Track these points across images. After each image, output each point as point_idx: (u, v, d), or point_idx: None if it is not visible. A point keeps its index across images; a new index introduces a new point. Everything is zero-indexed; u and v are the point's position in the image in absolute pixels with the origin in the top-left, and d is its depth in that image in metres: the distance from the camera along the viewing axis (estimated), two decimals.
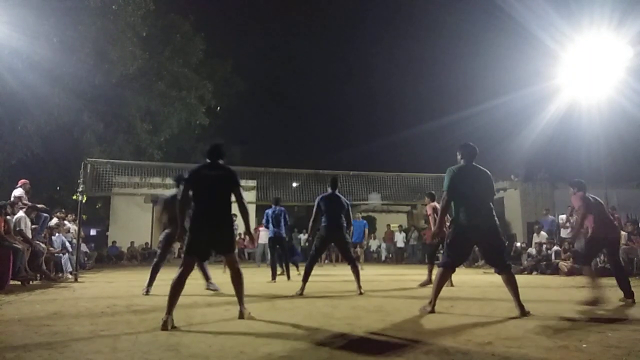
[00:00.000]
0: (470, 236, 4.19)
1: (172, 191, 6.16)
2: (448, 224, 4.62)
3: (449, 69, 31.10)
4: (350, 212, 6.24)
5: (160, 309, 4.40)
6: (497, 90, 19.58)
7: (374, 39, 43.35)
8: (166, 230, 5.89)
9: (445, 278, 4.28)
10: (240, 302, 3.93)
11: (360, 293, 5.74)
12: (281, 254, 8.51)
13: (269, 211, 8.36)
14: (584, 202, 5.30)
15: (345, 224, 6.02)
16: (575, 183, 5.64)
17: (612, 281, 5.22)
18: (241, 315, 3.86)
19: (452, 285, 6.85)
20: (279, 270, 8.46)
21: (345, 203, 6.16)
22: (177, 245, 9.27)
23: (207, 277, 6.16)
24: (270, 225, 8.21)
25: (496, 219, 4.25)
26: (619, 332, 3.28)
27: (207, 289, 6.03)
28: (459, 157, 4.46)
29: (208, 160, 4.05)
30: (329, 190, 6.23)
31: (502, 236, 4.26)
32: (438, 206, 8.06)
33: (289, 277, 8.25)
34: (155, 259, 6.10)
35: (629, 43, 12.45)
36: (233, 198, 3.99)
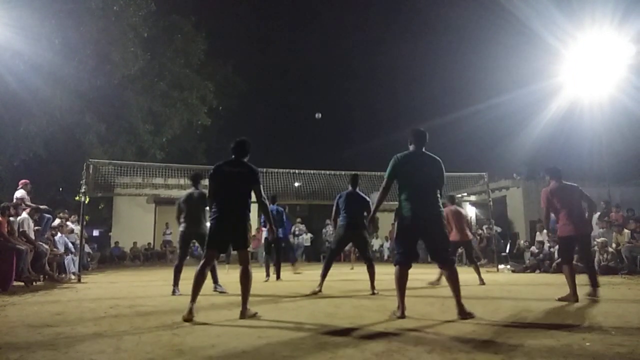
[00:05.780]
0: (413, 227, 3.88)
1: (188, 190, 6.25)
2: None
3: (450, 67, 30.96)
4: (371, 206, 5.94)
5: (163, 310, 4.43)
6: (499, 88, 19.50)
7: (375, 37, 43.24)
8: (180, 229, 5.94)
9: (402, 276, 3.89)
10: (244, 301, 3.88)
11: (374, 293, 5.64)
12: (277, 253, 8.44)
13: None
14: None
15: (364, 222, 5.92)
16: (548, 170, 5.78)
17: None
18: (242, 316, 3.80)
19: (438, 284, 6.82)
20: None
21: (364, 199, 6.11)
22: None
23: (215, 280, 6.16)
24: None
25: (441, 210, 3.98)
26: (622, 330, 3.27)
27: (215, 290, 6.04)
28: (409, 143, 4.19)
29: (232, 157, 4.15)
30: (349, 187, 6.21)
31: (445, 229, 3.98)
32: (460, 209, 7.84)
33: (278, 277, 8.19)
34: (176, 262, 6.10)
35: (631, 41, 12.44)
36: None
